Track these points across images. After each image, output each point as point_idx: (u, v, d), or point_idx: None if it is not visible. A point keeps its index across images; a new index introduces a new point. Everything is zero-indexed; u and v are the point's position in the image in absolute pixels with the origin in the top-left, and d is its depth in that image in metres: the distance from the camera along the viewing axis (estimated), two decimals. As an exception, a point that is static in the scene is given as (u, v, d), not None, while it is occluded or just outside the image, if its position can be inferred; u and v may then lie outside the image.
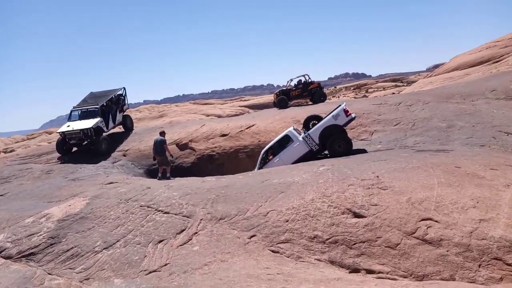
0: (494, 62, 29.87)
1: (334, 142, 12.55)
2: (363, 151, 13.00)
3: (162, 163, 13.75)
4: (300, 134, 13.36)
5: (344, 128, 13.03)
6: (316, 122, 13.87)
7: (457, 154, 9.91)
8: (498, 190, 7.30)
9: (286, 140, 13.07)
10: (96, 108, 18.71)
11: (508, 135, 12.28)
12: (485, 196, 7.12)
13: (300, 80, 24.24)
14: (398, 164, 9.19)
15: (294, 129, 13.54)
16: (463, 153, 10.09)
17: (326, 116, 13.36)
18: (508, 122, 13.33)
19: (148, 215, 8.69)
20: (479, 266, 5.82)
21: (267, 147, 13.55)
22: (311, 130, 12.97)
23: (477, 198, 7.07)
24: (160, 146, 13.62)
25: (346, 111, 12.74)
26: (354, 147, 13.52)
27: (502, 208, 6.71)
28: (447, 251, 6.13)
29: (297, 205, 7.90)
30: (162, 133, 14.16)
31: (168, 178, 13.07)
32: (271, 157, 13.13)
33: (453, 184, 7.67)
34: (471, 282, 5.57)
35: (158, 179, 13.09)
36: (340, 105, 13.38)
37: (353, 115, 12.99)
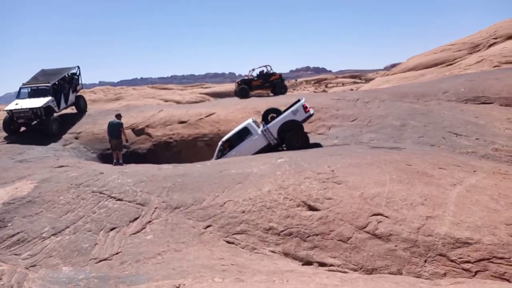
0: (447, 65, 31.17)
1: (292, 137, 12.72)
2: (319, 145, 13.25)
3: (117, 148, 13.36)
4: (259, 127, 13.39)
5: (302, 124, 13.20)
6: (275, 115, 13.97)
7: (408, 152, 10.30)
8: (445, 188, 7.66)
9: (245, 133, 13.07)
10: (47, 86, 17.88)
11: (457, 136, 12.89)
12: (433, 194, 7.45)
13: (262, 70, 24.27)
14: (353, 159, 9.42)
15: (253, 121, 13.53)
16: (414, 152, 10.50)
17: (285, 111, 13.48)
18: (457, 123, 13.99)
19: (100, 202, 8.43)
20: (425, 261, 6.10)
21: (225, 138, 13.47)
22: (270, 124, 13.04)
23: (425, 196, 7.38)
24: (117, 129, 13.21)
25: (305, 107, 12.91)
26: (312, 140, 13.74)
27: (448, 206, 7.06)
28: (396, 246, 6.38)
29: (254, 196, 7.94)
30: (119, 116, 13.73)
31: (121, 164, 12.72)
32: (228, 148, 13.09)
33: (403, 181, 7.97)
34: (417, 277, 5.83)
35: (114, 165, 12.71)
36: (299, 100, 13.52)
37: (311, 111, 13.19)
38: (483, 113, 15.39)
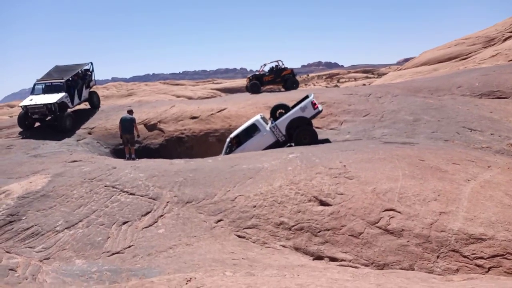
0: (461, 59, 30.71)
1: (300, 134, 12.66)
2: (328, 141, 13.18)
3: (130, 142, 13.49)
4: (267, 123, 13.34)
5: (311, 120, 13.12)
6: (283, 111, 13.90)
7: (421, 148, 10.18)
8: (459, 184, 7.56)
9: (253, 129, 13.03)
10: (61, 82, 18.07)
11: (471, 131, 12.70)
12: (446, 189, 7.36)
13: (274, 65, 24.16)
14: (365, 154, 9.35)
15: (261, 117, 13.46)
16: (427, 147, 10.38)
17: (294, 107, 13.44)
18: (471, 118, 13.78)
19: (112, 196, 8.51)
20: (437, 257, 6.04)
21: (233, 134, 13.45)
22: (278, 121, 12.99)
23: (439, 191, 7.30)
24: (130, 124, 13.36)
25: (313, 104, 12.81)
26: (324, 136, 13.67)
27: (461, 202, 6.97)
28: (408, 241, 6.33)
29: (265, 191, 7.94)
30: (131, 112, 13.86)
31: (133, 159, 12.85)
32: (236, 145, 13.07)
33: (416, 177, 7.88)
34: (429, 273, 5.77)
35: (126, 160, 12.84)
36: (308, 97, 13.43)
37: (320, 108, 13.09)
38: (498, 108, 15.14)
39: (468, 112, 14.55)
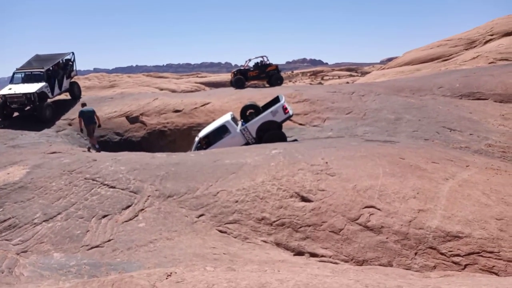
0: (443, 60, 31.19)
1: (269, 137, 12.65)
2: (296, 141, 13.22)
3: (93, 133, 13.92)
4: (237, 123, 13.30)
5: (281, 124, 13.15)
6: (253, 111, 13.86)
7: (402, 146, 10.32)
8: (437, 182, 7.70)
9: (223, 131, 12.95)
10: (41, 71, 17.73)
11: (450, 131, 12.95)
12: (425, 187, 7.49)
13: (259, 61, 24.14)
14: (347, 152, 9.44)
15: (231, 118, 13.36)
16: (408, 146, 10.53)
17: (264, 107, 13.57)
18: (451, 118, 14.04)
19: (92, 189, 8.40)
20: (415, 254, 6.15)
21: (202, 134, 13.32)
22: (249, 123, 12.96)
23: (418, 189, 7.42)
24: (93, 115, 13.86)
25: (284, 108, 12.81)
26: (307, 132, 13.75)
27: (440, 200, 7.10)
28: (387, 238, 6.43)
29: (247, 186, 7.94)
30: (85, 104, 14.51)
31: (98, 150, 13.28)
32: (205, 146, 12.98)
33: (396, 175, 7.99)
34: (406, 269, 5.88)
35: (98, 150, 13.05)
36: (278, 98, 13.45)
37: (290, 113, 13.05)
38: (477, 109, 15.45)
39: (448, 112, 14.82)
